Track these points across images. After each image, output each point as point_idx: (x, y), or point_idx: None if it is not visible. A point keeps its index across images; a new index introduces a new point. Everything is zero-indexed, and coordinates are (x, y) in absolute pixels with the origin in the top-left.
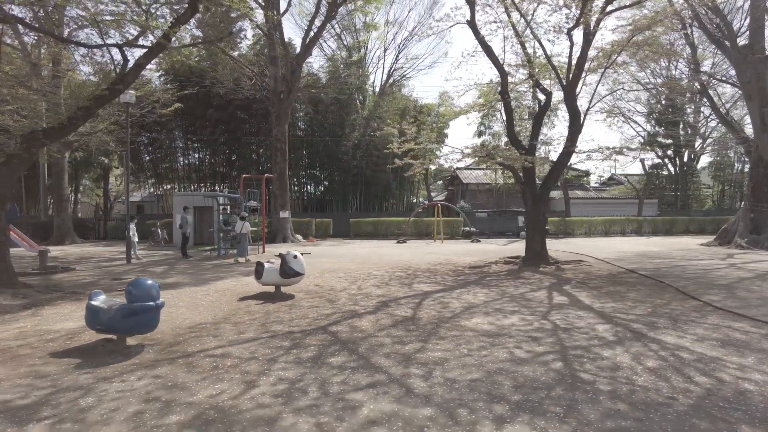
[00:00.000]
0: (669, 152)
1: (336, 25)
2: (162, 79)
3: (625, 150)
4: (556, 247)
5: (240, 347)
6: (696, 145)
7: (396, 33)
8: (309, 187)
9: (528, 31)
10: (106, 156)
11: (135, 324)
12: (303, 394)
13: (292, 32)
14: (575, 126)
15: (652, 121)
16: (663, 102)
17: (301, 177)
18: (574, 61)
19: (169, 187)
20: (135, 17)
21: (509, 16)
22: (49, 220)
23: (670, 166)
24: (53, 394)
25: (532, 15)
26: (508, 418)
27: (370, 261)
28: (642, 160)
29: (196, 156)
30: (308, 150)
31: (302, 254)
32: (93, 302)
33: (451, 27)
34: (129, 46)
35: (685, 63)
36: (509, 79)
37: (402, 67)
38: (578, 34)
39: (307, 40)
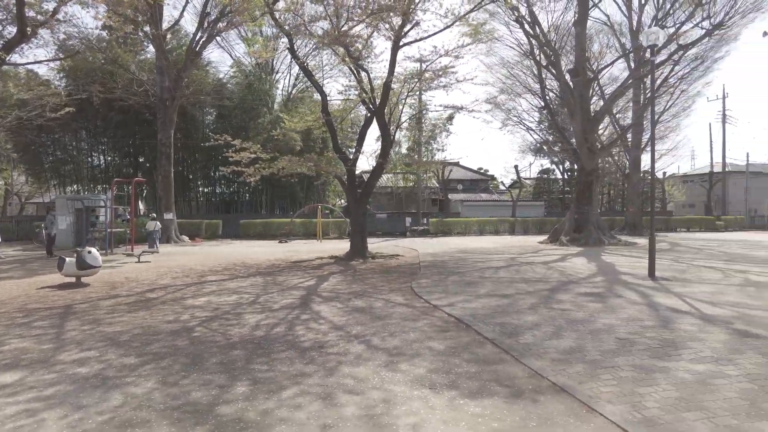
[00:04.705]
0: (558, 158)
1: (246, 32)
2: (65, 81)
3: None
4: (412, 245)
5: None
6: None
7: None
8: (216, 188)
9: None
10: None
11: None
12: None
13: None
14: (386, 142)
15: (543, 129)
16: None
17: (210, 178)
18: (380, 89)
19: (74, 188)
20: None
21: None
22: None
23: (563, 170)
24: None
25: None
26: (87, 348)
27: (216, 259)
28: (516, 167)
29: (102, 158)
30: (214, 152)
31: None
32: None
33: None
34: None
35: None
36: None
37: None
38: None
39: (193, 52)
